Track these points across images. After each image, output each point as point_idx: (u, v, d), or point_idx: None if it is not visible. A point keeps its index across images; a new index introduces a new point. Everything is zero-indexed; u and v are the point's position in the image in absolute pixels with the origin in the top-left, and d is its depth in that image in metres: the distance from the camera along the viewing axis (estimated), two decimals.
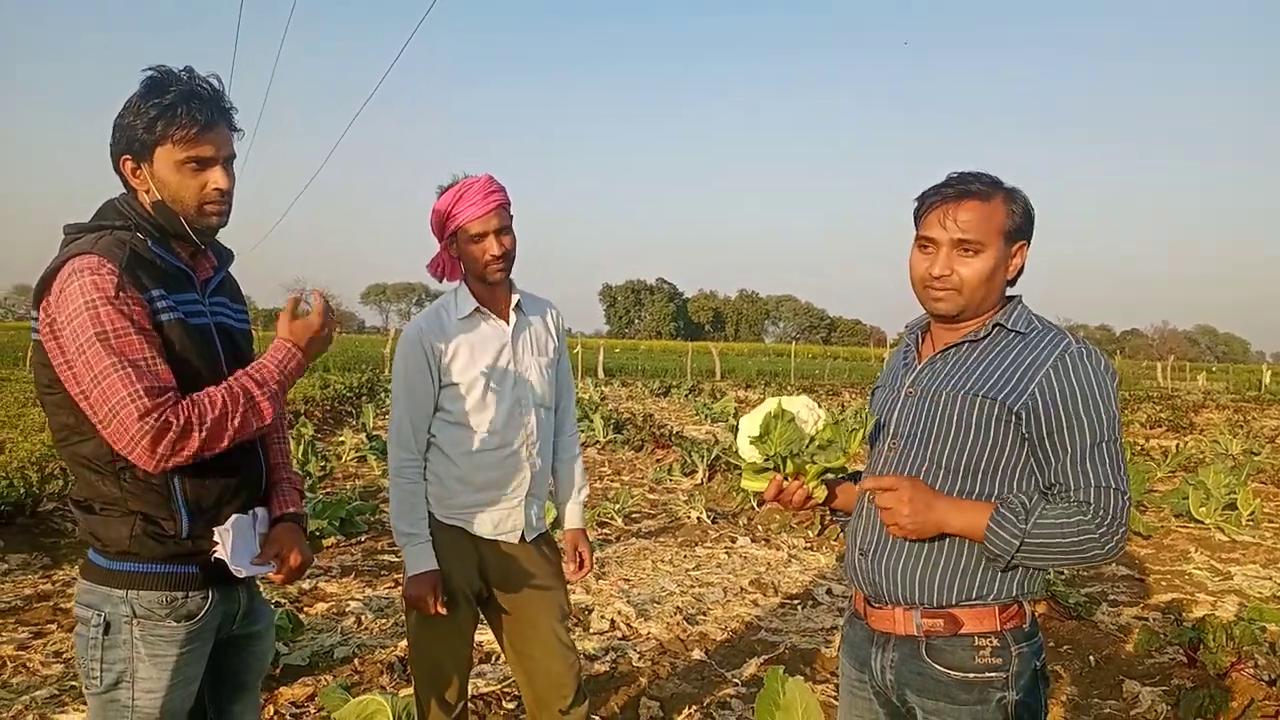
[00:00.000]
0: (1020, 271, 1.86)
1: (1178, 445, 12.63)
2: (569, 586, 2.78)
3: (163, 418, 1.67)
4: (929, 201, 1.84)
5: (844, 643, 2.05)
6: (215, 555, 1.81)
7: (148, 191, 1.83)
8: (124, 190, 1.88)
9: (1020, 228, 1.81)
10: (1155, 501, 8.14)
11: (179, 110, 1.77)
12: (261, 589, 2.10)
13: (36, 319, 1.76)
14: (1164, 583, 5.89)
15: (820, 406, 1.92)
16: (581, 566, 2.74)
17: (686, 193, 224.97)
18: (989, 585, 1.78)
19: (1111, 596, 5.50)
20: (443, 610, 2.47)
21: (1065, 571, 5.90)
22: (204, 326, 1.88)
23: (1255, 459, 11.00)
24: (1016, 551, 1.69)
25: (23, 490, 6.30)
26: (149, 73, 1.80)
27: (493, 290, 2.61)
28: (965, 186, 1.80)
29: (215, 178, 1.84)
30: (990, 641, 1.78)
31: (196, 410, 1.72)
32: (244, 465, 1.91)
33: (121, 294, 1.69)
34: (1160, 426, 17.22)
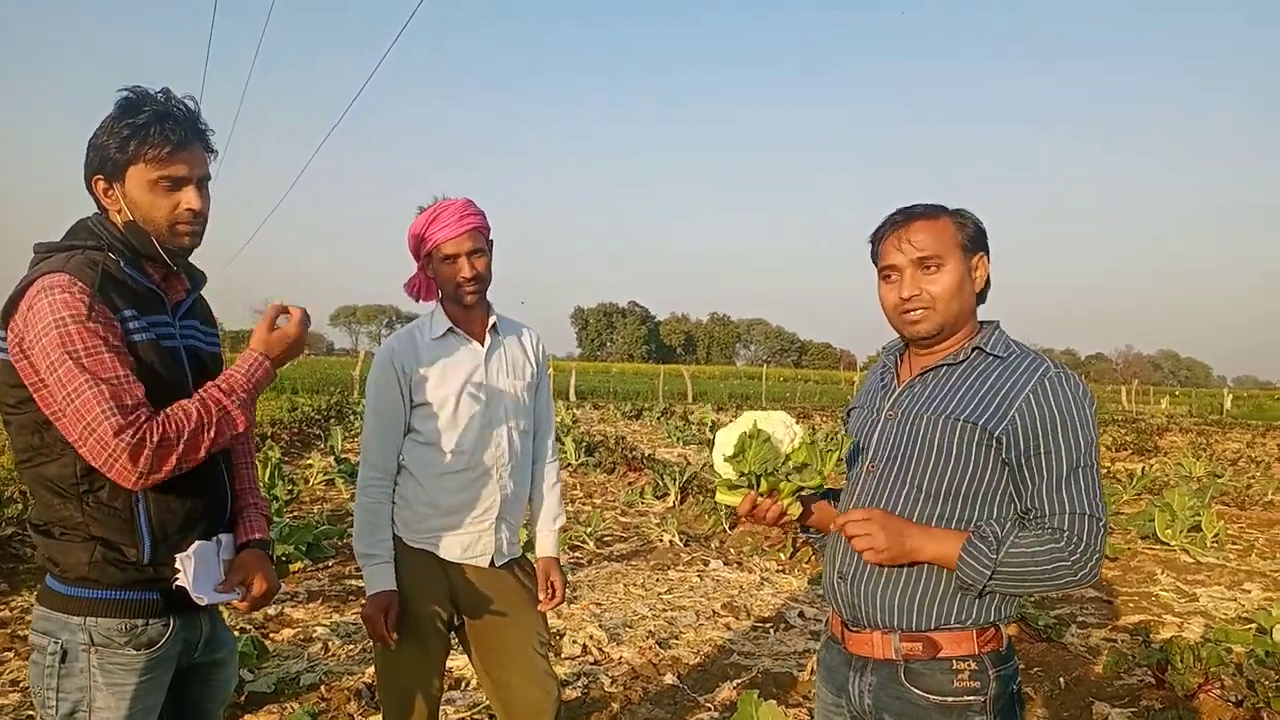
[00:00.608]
0: (988, 284, 1.89)
1: (1143, 468, 12.79)
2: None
3: (139, 433, 1.66)
4: (881, 233, 1.90)
5: (820, 666, 2.05)
6: (177, 583, 1.77)
7: (119, 211, 1.81)
8: (96, 210, 1.86)
9: (974, 239, 1.85)
10: (1122, 524, 8.23)
11: (152, 130, 1.76)
12: (225, 615, 2.06)
13: (4, 338, 1.72)
14: (1131, 604, 5.95)
15: (798, 424, 1.92)
16: (553, 596, 2.71)
17: (657, 214, 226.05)
18: (967, 610, 1.79)
19: (1080, 618, 5.53)
20: (392, 636, 2.44)
21: (1035, 594, 5.94)
22: (174, 349, 1.86)
23: (1218, 481, 11.17)
24: (989, 580, 1.71)
25: None
26: (124, 93, 1.80)
27: (468, 312, 2.60)
28: (911, 211, 1.87)
29: (188, 198, 1.83)
30: (969, 665, 1.78)
31: (173, 423, 1.70)
32: (209, 491, 1.88)
33: (93, 314, 1.68)
34: (1125, 449, 17.43)
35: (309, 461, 11.21)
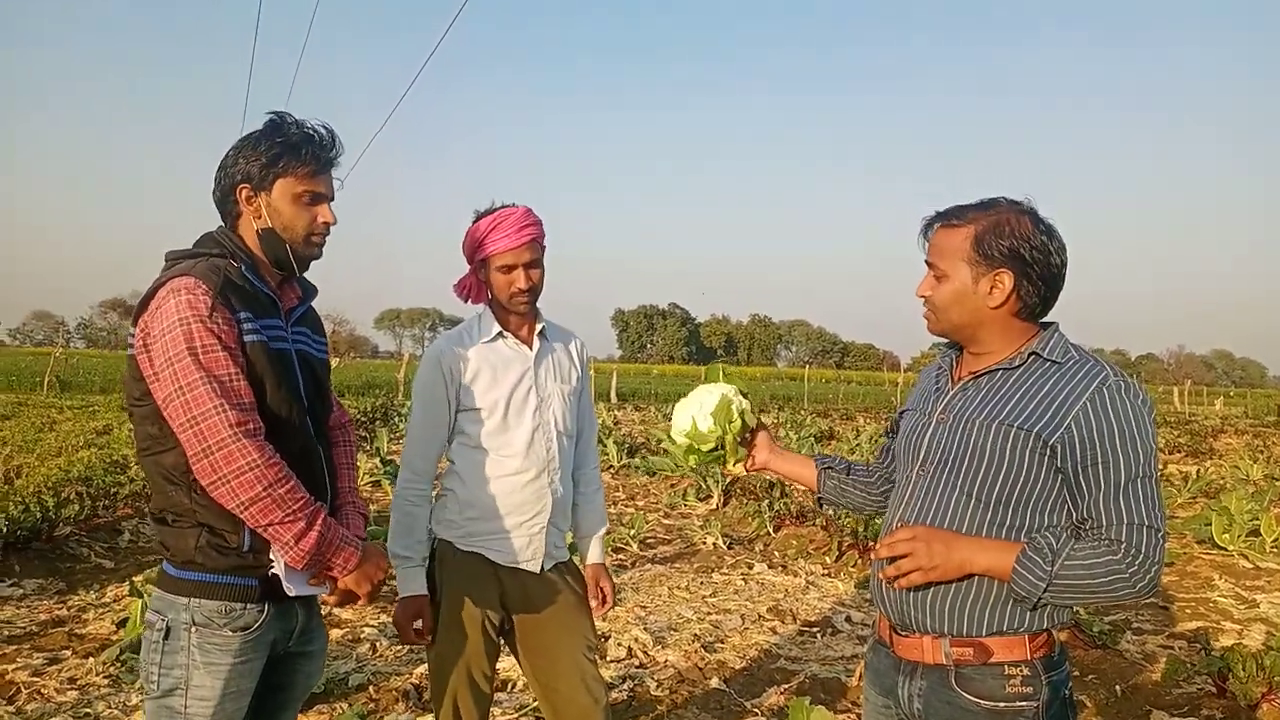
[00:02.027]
0: (1015, 300, 1.79)
1: (1198, 470, 12.49)
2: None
3: (255, 437, 1.81)
4: (920, 228, 1.93)
5: (868, 669, 2.03)
6: (272, 571, 1.89)
7: (259, 218, 2.01)
8: (223, 221, 2.05)
9: (1002, 254, 1.76)
10: (1177, 528, 8.03)
11: (303, 150, 2.00)
12: (321, 610, 2.19)
13: (133, 334, 1.90)
14: (1189, 610, 5.80)
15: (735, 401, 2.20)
16: (604, 602, 2.71)
17: (700, 216, 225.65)
18: (1020, 617, 1.76)
19: (1136, 624, 5.41)
20: (427, 638, 2.48)
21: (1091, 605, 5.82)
22: (284, 351, 2.01)
23: (1277, 484, 10.86)
24: (1044, 593, 1.67)
25: (39, 515, 6.30)
26: (270, 116, 2.03)
27: (520, 317, 2.61)
28: (943, 213, 1.87)
29: (325, 213, 2.06)
30: (1021, 670, 1.75)
31: (283, 477, 1.82)
32: (309, 486, 1.95)
33: (214, 313, 1.84)
34: (1179, 452, 17.06)
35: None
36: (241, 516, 1.82)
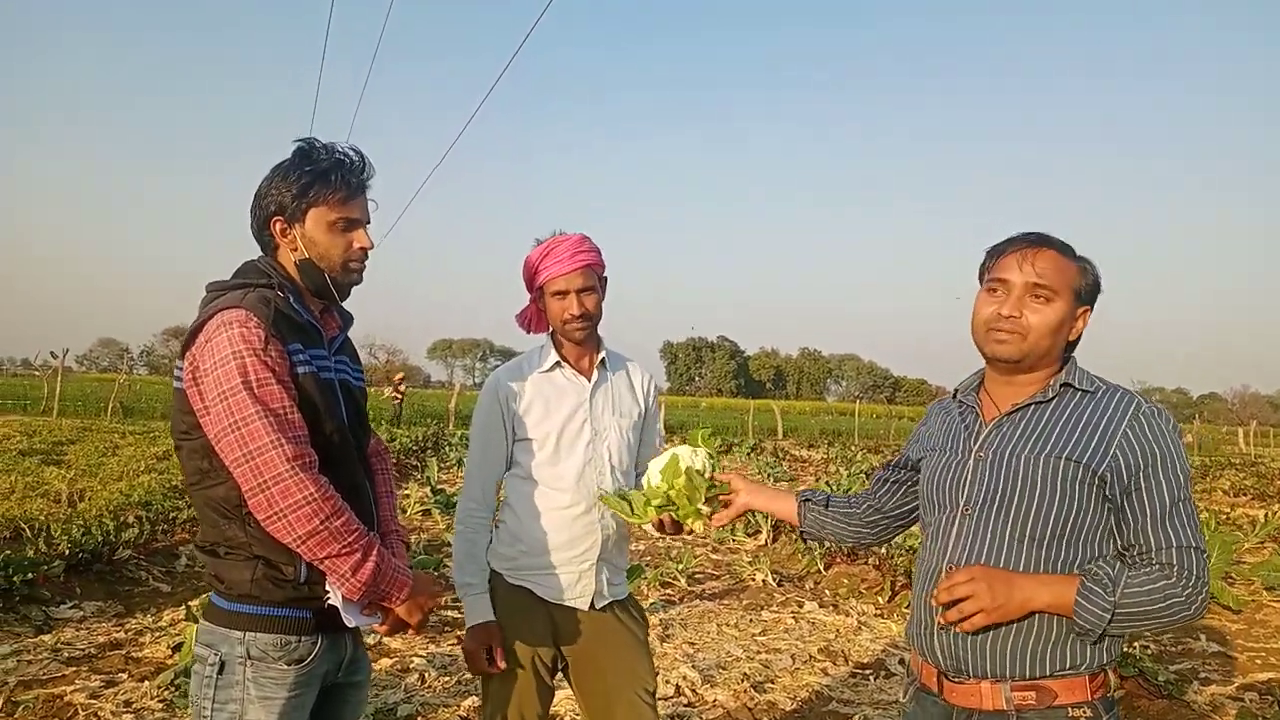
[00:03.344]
0: (1079, 337, 1.86)
1: (1265, 515, 12.07)
2: None
3: (311, 470, 1.79)
4: (1004, 249, 1.87)
5: None
6: (329, 602, 1.89)
7: (295, 250, 1.99)
8: (262, 251, 2.03)
9: (1089, 291, 1.84)
10: (1244, 574, 7.76)
11: (333, 177, 1.96)
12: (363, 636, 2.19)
13: (181, 368, 1.88)
14: (1258, 660, 5.58)
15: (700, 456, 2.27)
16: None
17: (748, 249, 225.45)
18: (1082, 654, 1.73)
19: (1203, 674, 5.22)
20: (500, 666, 2.44)
21: (1150, 644, 5.63)
22: (330, 381, 1.99)
23: None
24: (1108, 624, 1.66)
25: (100, 538, 6.45)
26: (298, 143, 2.00)
27: (578, 347, 2.60)
28: (1046, 238, 1.85)
29: (360, 238, 2.02)
30: (1084, 711, 1.73)
31: (339, 510, 1.81)
32: (360, 516, 1.96)
33: (268, 346, 1.82)
34: (1245, 495, 16.50)
35: (406, 492, 11.43)
36: (298, 550, 1.80)
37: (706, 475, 2.25)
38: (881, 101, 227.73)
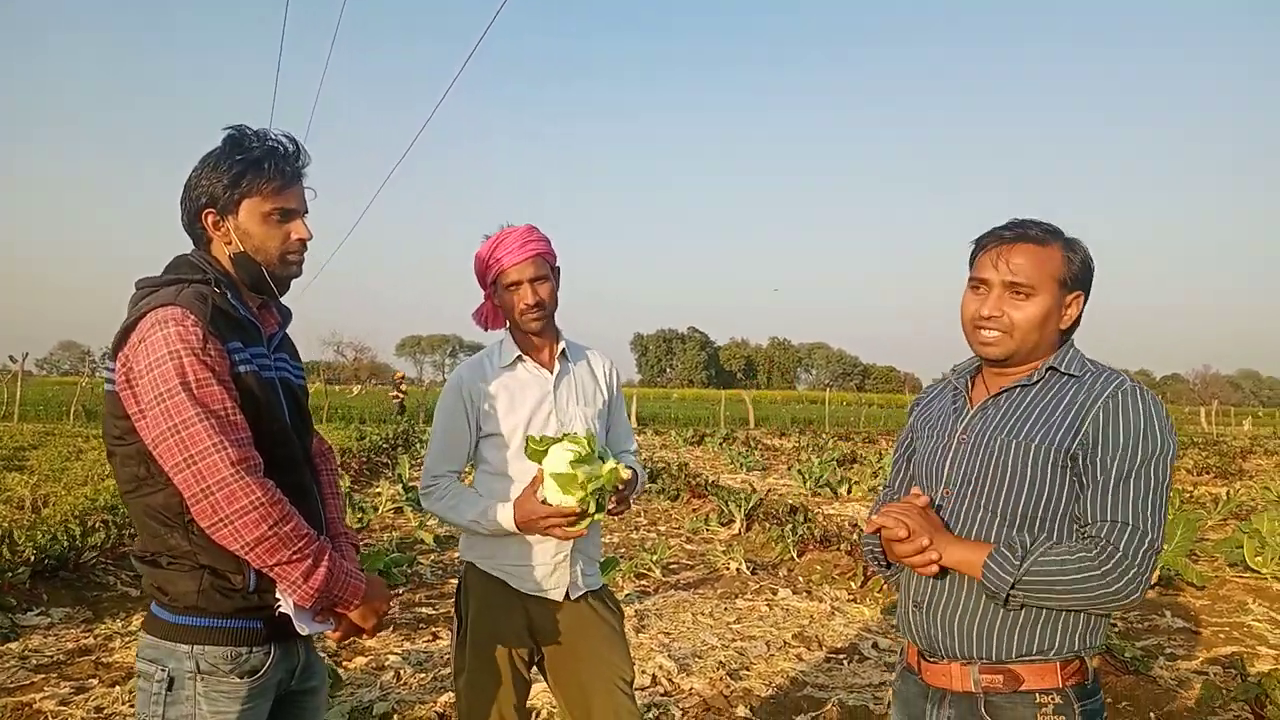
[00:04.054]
0: (1076, 322, 1.84)
1: (1228, 492, 12.31)
2: None
3: (257, 473, 1.71)
4: (984, 243, 1.85)
5: (896, 697, 2.01)
6: (279, 610, 1.81)
7: (229, 244, 1.88)
8: (194, 245, 1.93)
9: (1077, 277, 1.80)
10: (1208, 550, 7.91)
11: (266, 165, 1.86)
12: (315, 643, 2.10)
13: (112, 369, 1.78)
14: (1222, 635, 5.70)
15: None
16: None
17: (718, 240, 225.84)
18: (1050, 639, 1.73)
19: (1169, 650, 5.32)
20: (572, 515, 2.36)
21: (1117, 622, 5.73)
22: (271, 380, 1.90)
23: None
24: (1010, 589, 1.67)
25: (66, 543, 6.34)
26: (228, 131, 1.89)
27: (536, 339, 2.60)
28: (1023, 231, 1.81)
29: (298, 228, 1.93)
30: (1052, 698, 1.73)
31: (287, 514, 1.73)
32: (307, 519, 1.91)
33: (207, 345, 1.73)
34: (1208, 473, 16.82)
35: (378, 490, 11.37)
36: (246, 557, 1.72)
37: (582, 472, 2.28)
38: (854, 90, 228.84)
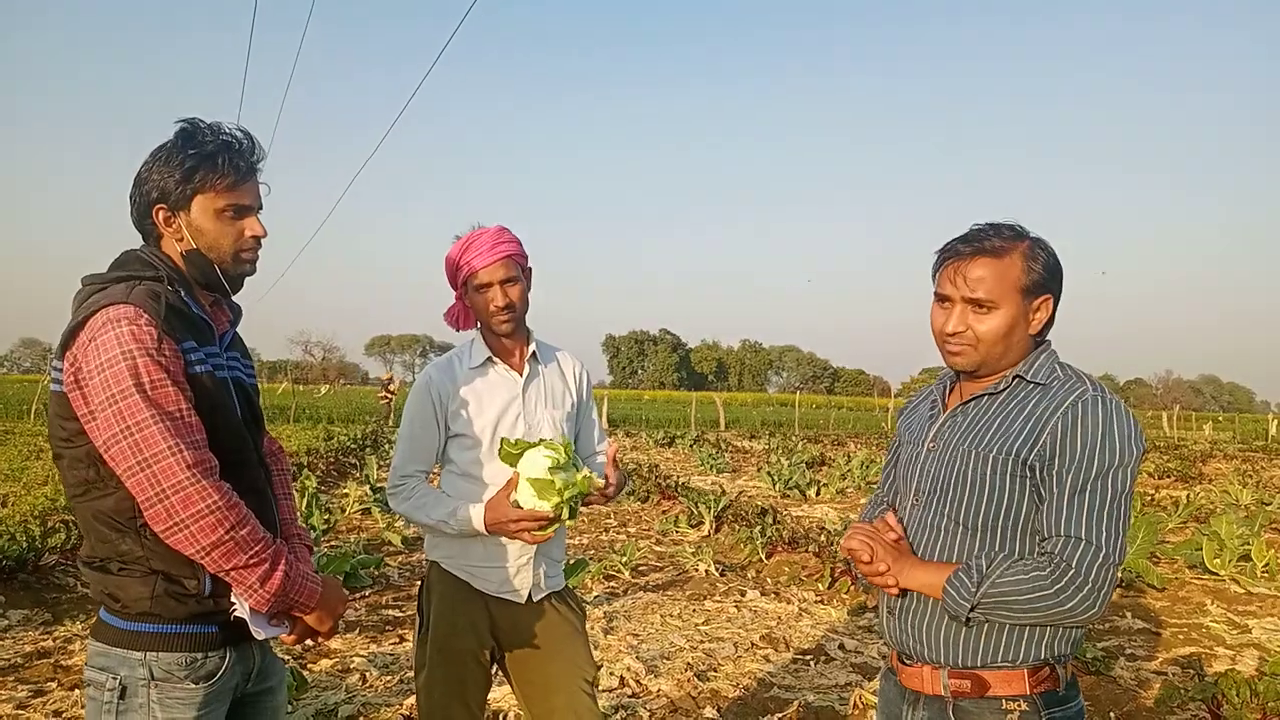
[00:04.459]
0: (1047, 325, 1.83)
1: (1188, 495, 12.52)
2: None
3: (213, 476, 1.68)
4: (943, 258, 1.84)
5: (880, 696, 2.05)
6: (235, 614, 1.78)
7: (180, 240, 1.84)
8: (144, 240, 1.89)
9: (1041, 282, 1.78)
10: (1168, 553, 8.04)
11: (220, 160, 1.81)
12: (272, 645, 2.07)
13: (59, 369, 1.73)
14: (1181, 636, 5.80)
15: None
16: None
17: (691, 243, 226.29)
18: (1016, 647, 1.75)
19: (1129, 650, 5.40)
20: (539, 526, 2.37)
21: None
22: (224, 380, 1.87)
23: (1267, 509, 10.89)
24: (970, 611, 1.70)
25: (25, 545, 6.23)
26: (181, 124, 1.84)
27: (507, 340, 2.60)
28: (980, 243, 1.78)
29: (252, 225, 1.89)
30: (1019, 705, 1.74)
31: (244, 518, 1.70)
32: (261, 521, 1.88)
33: (161, 344, 1.69)
34: (1169, 476, 17.09)
35: (345, 491, 11.27)
36: (202, 562, 1.69)
37: (558, 478, 2.28)
38: (830, 93, 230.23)
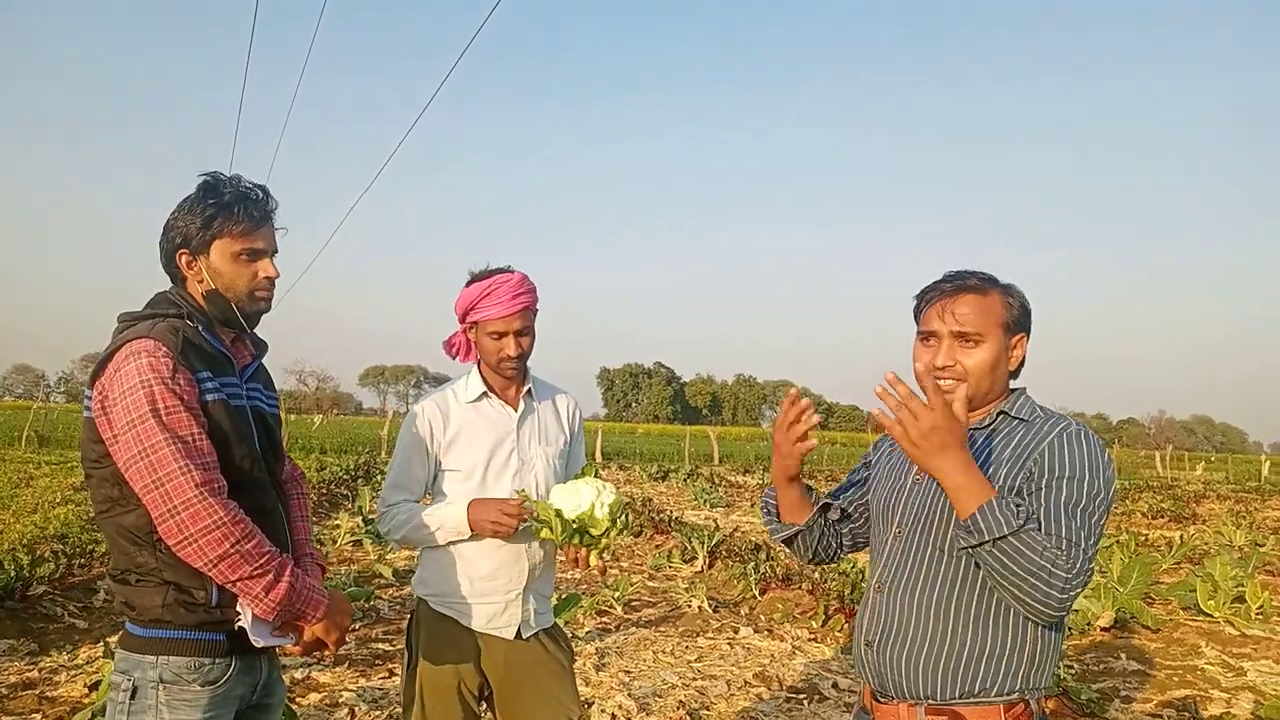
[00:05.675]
0: (1021, 363, 1.91)
1: (1181, 536, 12.51)
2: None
3: (220, 495, 1.81)
4: (928, 297, 1.91)
5: None
6: (239, 624, 1.89)
7: (201, 282, 2.03)
8: (172, 283, 2.08)
9: (1018, 320, 1.88)
10: (1162, 594, 8.02)
11: (235, 209, 2.01)
12: (280, 658, 2.16)
13: (90, 396, 1.90)
14: (1175, 678, 5.77)
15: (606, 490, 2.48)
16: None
17: (685, 278, 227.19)
18: (992, 679, 1.76)
19: (1124, 692, 5.37)
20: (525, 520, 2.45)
21: (1074, 664, 5.78)
22: (242, 408, 2.03)
23: (1260, 550, 10.88)
24: (992, 542, 1.61)
25: (13, 573, 6.19)
26: (204, 177, 2.05)
27: (505, 379, 2.61)
28: (962, 282, 1.88)
29: (265, 267, 2.07)
30: None
31: (249, 533, 1.83)
32: (272, 539, 1.96)
33: (176, 375, 1.86)
34: (1163, 517, 17.07)
35: (336, 522, 11.21)
36: (210, 574, 1.82)
37: (612, 512, 2.45)
38: (831, 120, 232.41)
